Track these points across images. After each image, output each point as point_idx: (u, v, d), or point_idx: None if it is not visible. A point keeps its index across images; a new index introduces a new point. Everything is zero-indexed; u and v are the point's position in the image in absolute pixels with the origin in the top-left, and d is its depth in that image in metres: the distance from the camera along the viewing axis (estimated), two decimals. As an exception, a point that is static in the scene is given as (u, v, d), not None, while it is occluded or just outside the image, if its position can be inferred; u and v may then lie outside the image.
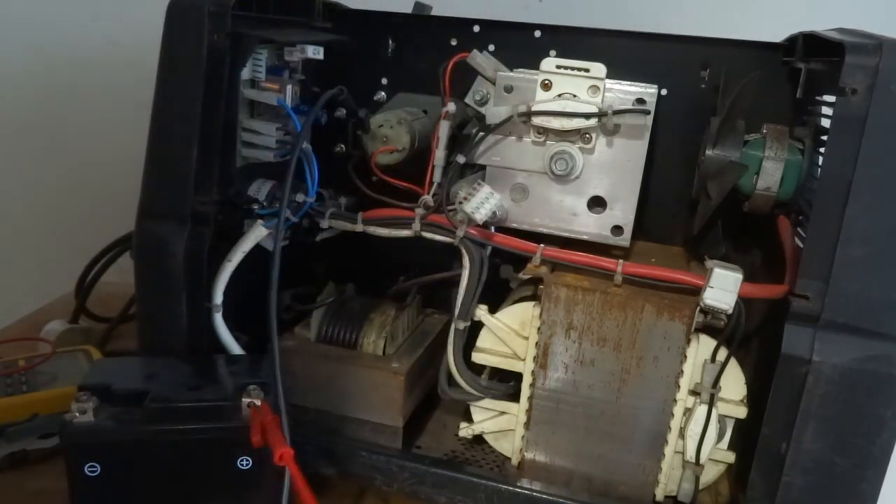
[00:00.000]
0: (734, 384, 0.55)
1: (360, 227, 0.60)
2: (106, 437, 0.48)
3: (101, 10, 1.08)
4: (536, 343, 0.57)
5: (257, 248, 0.59)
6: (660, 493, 0.58)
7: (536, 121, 0.55)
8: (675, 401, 0.55)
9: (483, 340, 0.59)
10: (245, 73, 0.59)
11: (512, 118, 0.56)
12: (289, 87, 0.61)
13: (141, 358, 0.60)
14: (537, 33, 0.66)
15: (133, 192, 0.59)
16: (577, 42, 0.65)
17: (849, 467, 0.49)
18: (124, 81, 1.00)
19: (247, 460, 0.51)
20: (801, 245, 0.51)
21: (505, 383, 0.61)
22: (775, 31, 0.62)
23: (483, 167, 0.60)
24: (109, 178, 1.06)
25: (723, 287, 0.50)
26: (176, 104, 0.56)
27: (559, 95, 0.55)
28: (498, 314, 0.58)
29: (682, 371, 0.55)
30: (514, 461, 0.61)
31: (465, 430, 0.62)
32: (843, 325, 0.48)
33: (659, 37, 0.64)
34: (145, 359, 0.59)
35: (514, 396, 0.60)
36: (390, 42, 0.69)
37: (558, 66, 0.55)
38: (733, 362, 0.54)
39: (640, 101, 0.55)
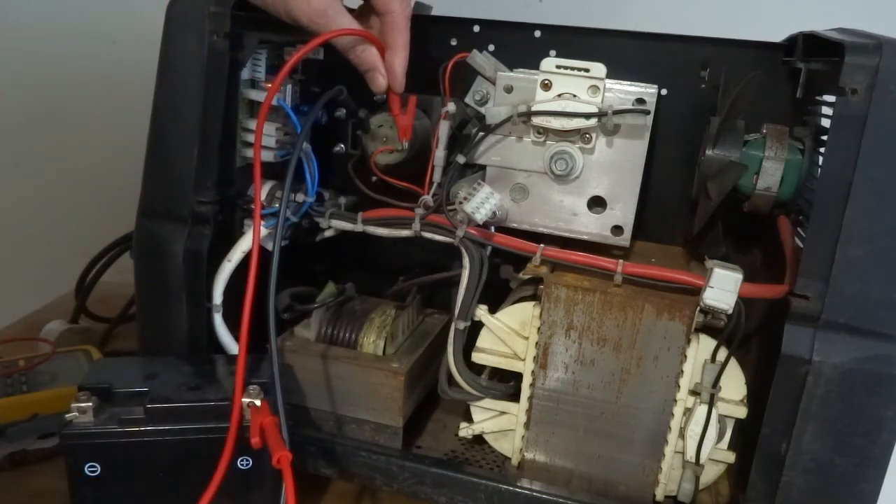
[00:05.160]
0: (734, 384, 0.55)
1: (360, 227, 0.60)
2: (106, 437, 0.49)
3: (101, 10, 1.08)
4: (536, 343, 0.57)
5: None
6: (660, 493, 0.58)
7: (536, 121, 0.55)
8: (675, 401, 0.55)
9: (483, 340, 0.59)
10: (245, 73, 0.59)
11: (512, 118, 0.56)
12: (289, 87, 0.61)
13: (141, 358, 0.60)
14: (537, 33, 0.66)
15: (133, 192, 0.60)
16: (577, 42, 0.65)
17: (849, 467, 0.49)
18: (124, 81, 1.00)
19: (247, 460, 0.51)
20: (801, 245, 0.51)
21: (505, 383, 0.61)
22: (775, 32, 0.62)
23: (483, 167, 0.60)
24: (109, 178, 1.06)
25: (723, 287, 0.50)
26: (176, 104, 0.56)
27: (559, 95, 0.55)
28: (498, 314, 0.59)
29: (682, 371, 0.55)
30: (514, 461, 0.61)
31: (465, 430, 0.62)
32: (843, 325, 0.48)
33: (659, 37, 0.64)
34: (145, 359, 0.59)
35: (514, 396, 0.60)
36: (390, 42, 0.69)
37: (558, 66, 0.55)
38: (733, 362, 0.54)
39: (640, 101, 0.55)
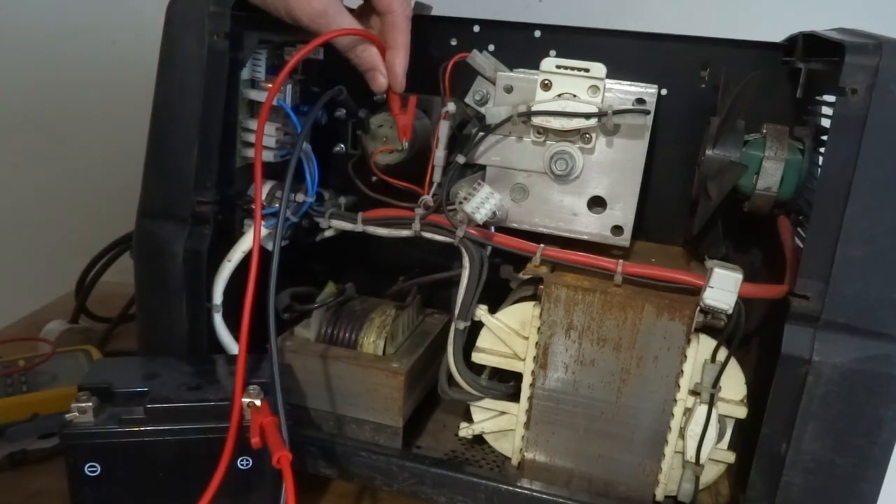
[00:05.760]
0: (734, 384, 0.55)
1: (360, 227, 0.60)
2: (106, 437, 0.49)
3: (101, 10, 1.08)
4: (536, 343, 0.57)
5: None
6: (660, 493, 0.58)
7: (536, 121, 0.55)
8: (675, 401, 0.55)
9: (483, 340, 0.59)
10: (245, 73, 0.59)
11: (512, 118, 0.56)
12: (289, 87, 0.61)
13: (141, 358, 0.60)
14: (537, 33, 0.66)
15: (133, 191, 0.60)
16: (577, 42, 0.65)
17: (849, 467, 0.49)
18: (124, 81, 1.00)
19: (247, 460, 0.51)
20: (801, 245, 0.51)
21: (505, 383, 0.61)
22: (775, 32, 0.62)
23: (483, 167, 0.60)
24: (109, 177, 1.07)
25: (723, 287, 0.50)
26: (176, 104, 0.56)
27: (559, 95, 0.55)
28: (498, 314, 0.59)
29: (682, 371, 0.55)
30: (514, 461, 0.61)
31: (465, 430, 0.62)
32: (843, 325, 0.48)
33: (659, 37, 0.64)
34: (145, 359, 0.59)
35: (514, 396, 0.60)
36: (390, 42, 0.69)
37: (558, 66, 0.55)
38: (733, 362, 0.54)
39: (640, 101, 0.55)
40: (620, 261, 0.54)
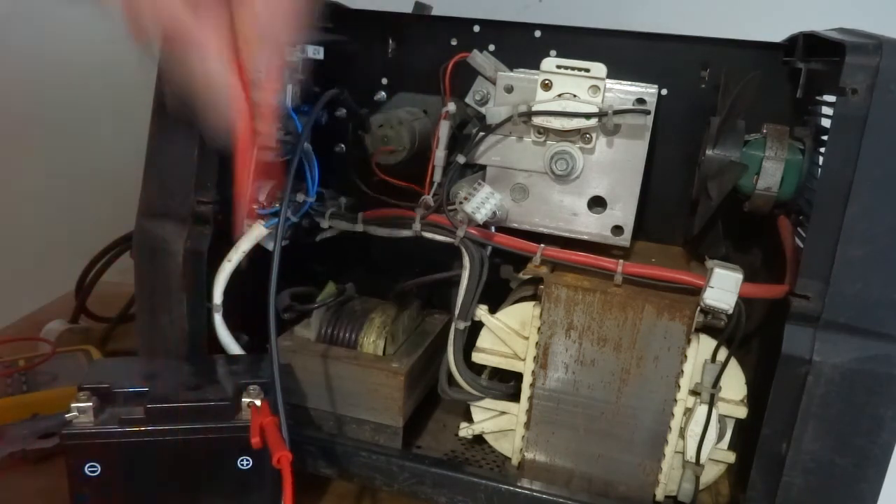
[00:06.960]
0: (734, 384, 0.55)
1: (360, 227, 0.60)
2: (106, 437, 0.49)
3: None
4: (536, 343, 0.57)
5: (257, 248, 0.59)
6: (660, 493, 0.58)
7: (536, 121, 0.55)
8: (676, 401, 0.55)
9: (483, 340, 0.59)
10: (245, 73, 0.59)
11: (512, 118, 0.56)
12: (289, 87, 0.61)
13: (141, 358, 0.60)
14: (537, 33, 0.66)
15: (133, 192, 0.60)
16: (577, 42, 0.65)
17: (849, 467, 0.49)
18: (124, 81, 1.00)
19: (247, 460, 0.51)
20: (801, 245, 0.51)
21: (505, 383, 0.61)
22: (775, 32, 0.62)
23: (483, 167, 0.60)
24: (109, 178, 1.06)
25: (723, 287, 0.50)
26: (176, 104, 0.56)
27: (559, 95, 0.55)
28: (498, 314, 0.59)
29: (682, 371, 0.55)
30: (514, 461, 0.61)
31: (465, 430, 0.62)
32: (843, 325, 0.48)
33: (659, 37, 0.64)
34: (145, 359, 0.59)
35: (514, 396, 0.60)
36: (390, 42, 0.69)
37: (558, 66, 0.55)
38: (733, 362, 0.54)
39: (641, 101, 0.55)
40: (620, 261, 0.54)
